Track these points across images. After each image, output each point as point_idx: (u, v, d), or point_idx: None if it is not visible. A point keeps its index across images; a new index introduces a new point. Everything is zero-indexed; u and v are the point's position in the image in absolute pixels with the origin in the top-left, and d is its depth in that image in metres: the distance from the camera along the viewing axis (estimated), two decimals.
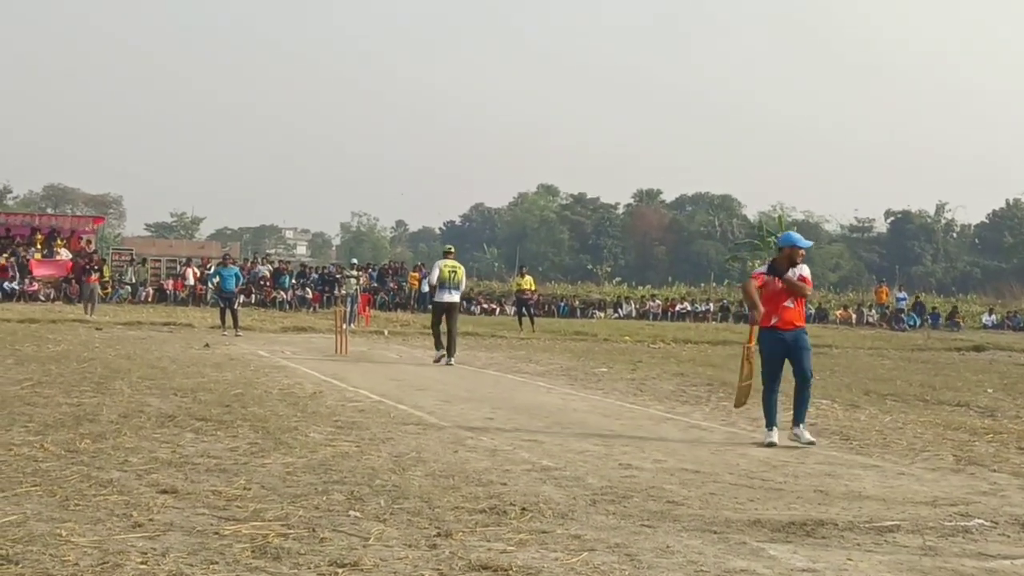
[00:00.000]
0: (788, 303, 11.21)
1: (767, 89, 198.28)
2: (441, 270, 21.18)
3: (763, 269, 11.59)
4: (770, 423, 11.18)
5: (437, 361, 20.60)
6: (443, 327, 20.77)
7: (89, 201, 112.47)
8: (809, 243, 11.72)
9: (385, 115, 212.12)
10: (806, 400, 11.27)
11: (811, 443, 10.87)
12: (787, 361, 11.29)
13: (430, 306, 24.51)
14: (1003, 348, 33.65)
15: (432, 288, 22.82)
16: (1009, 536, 7.03)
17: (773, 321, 11.18)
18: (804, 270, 11.31)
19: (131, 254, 53.06)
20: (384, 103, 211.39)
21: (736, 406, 12.26)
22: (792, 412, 11.25)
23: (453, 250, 22.44)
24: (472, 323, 37.46)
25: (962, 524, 7.32)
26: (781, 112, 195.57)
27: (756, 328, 11.44)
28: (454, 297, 21.14)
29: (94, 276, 35.55)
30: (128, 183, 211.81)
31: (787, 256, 11.32)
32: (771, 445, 10.80)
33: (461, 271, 21.30)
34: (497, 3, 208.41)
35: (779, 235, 11.90)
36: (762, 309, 11.14)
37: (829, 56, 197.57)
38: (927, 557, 6.32)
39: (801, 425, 11.10)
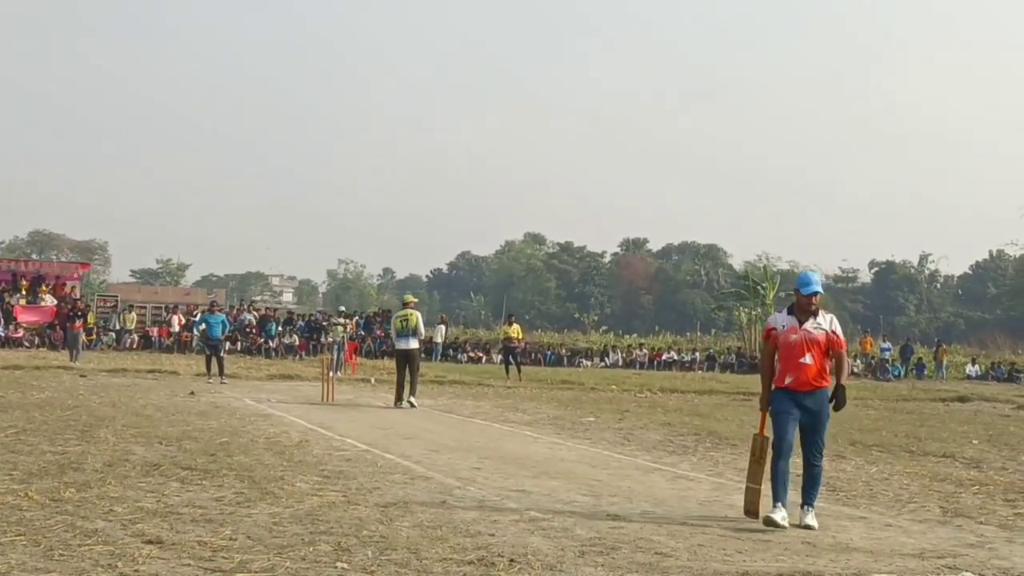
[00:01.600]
0: (806, 358, 9.36)
1: (753, 141, 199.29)
2: (393, 322, 22.73)
3: (776, 320, 9.81)
4: (777, 497, 9.22)
5: (396, 405, 21.66)
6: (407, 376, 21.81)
7: (74, 247, 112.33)
8: (813, 288, 9.53)
9: (373, 161, 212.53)
10: (816, 479, 9.43)
11: (810, 527, 9.04)
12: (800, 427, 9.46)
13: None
14: (987, 399, 33.67)
15: (390, 336, 24.62)
16: None
17: (787, 381, 9.41)
18: (833, 323, 9.56)
19: (116, 300, 52.92)
20: (373, 149, 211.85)
21: (746, 513, 9.46)
22: (800, 491, 9.47)
23: (412, 300, 23.27)
24: (459, 371, 37.42)
25: None
26: (767, 163, 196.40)
27: (767, 414, 9.63)
28: (410, 344, 22.08)
29: (78, 322, 35.43)
30: (113, 229, 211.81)
31: (799, 303, 9.60)
32: (771, 524, 9.00)
33: (414, 318, 22.16)
34: (494, 53, 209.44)
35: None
36: (771, 386, 9.56)
37: (815, 109, 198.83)
38: None
39: (809, 508, 9.27)
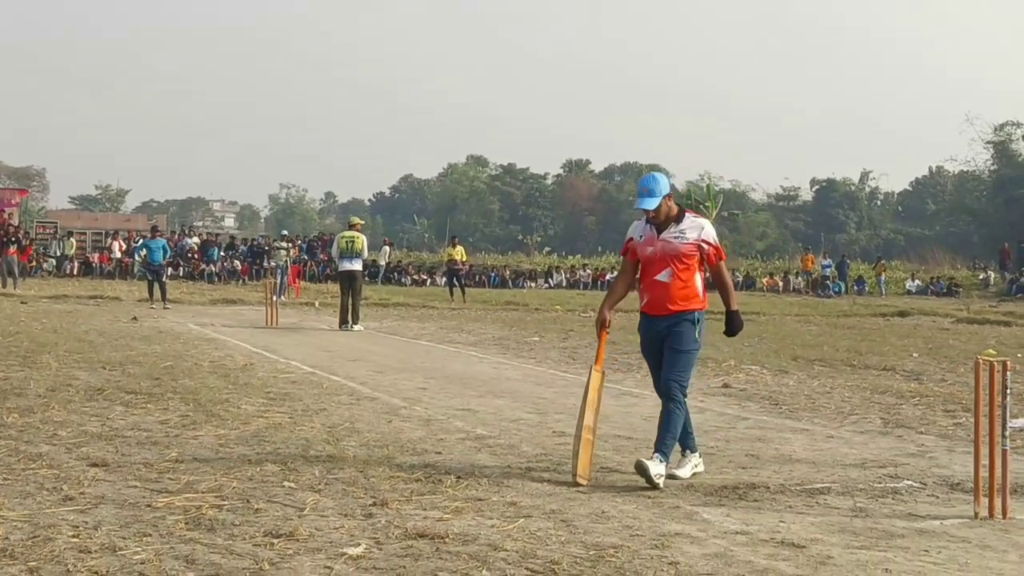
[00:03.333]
0: (662, 275, 7.64)
1: (693, 61, 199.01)
2: (338, 241, 22.75)
3: (634, 229, 7.96)
4: (682, 442, 7.79)
5: (340, 328, 21.78)
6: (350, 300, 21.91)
7: (11, 174, 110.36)
8: (644, 203, 7.63)
9: (314, 83, 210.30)
10: (669, 423, 7.45)
11: (655, 485, 7.08)
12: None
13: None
14: (927, 313, 34.14)
15: (333, 259, 24.67)
16: (938, 497, 7.15)
17: (643, 303, 7.85)
18: (704, 231, 7.72)
19: (56, 227, 52.21)
20: (313, 71, 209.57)
21: (574, 475, 7.27)
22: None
23: (358, 222, 23.39)
24: (403, 294, 37.39)
25: (891, 486, 7.44)
26: (707, 83, 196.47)
27: (603, 341, 7.94)
28: (353, 266, 22.21)
29: (13, 248, 34.92)
30: (51, 156, 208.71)
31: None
32: (641, 471, 7.20)
33: (360, 241, 22.29)
34: None
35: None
36: (607, 316, 7.84)
37: (753, 27, 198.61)
38: (858, 518, 6.41)
39: (656, 456, 7.26)
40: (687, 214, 7.75)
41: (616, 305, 7.93)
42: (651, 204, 7.59)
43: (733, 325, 7.94)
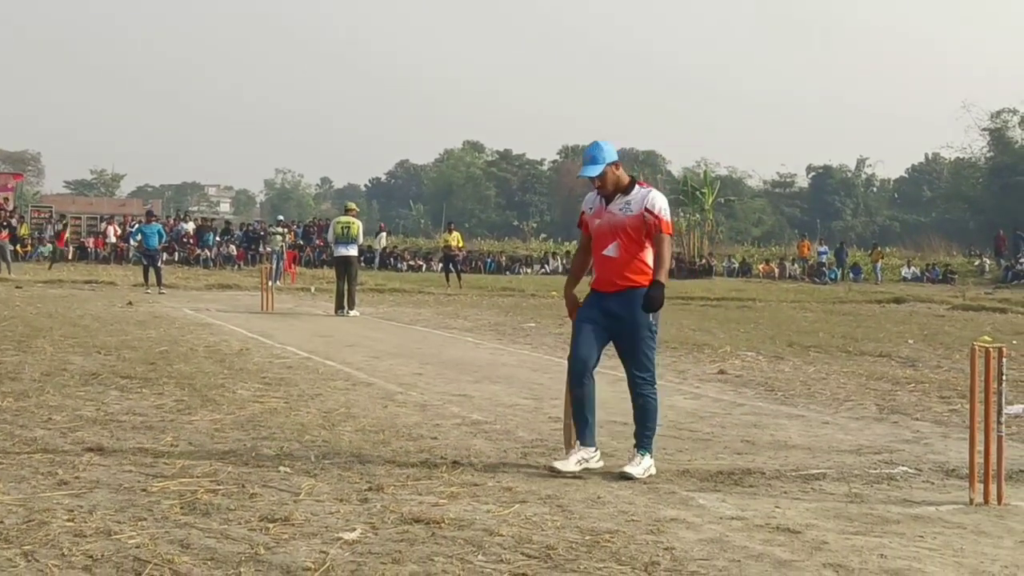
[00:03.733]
0: (609, 249, 7.24)
1: (691, 48, 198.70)
2: (333, 227, 22.64)
3: (587, 201, 7.58)
4: (579, 433, 7.26)
5: (336, 313, 21.69)
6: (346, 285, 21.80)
7: (6, 158, 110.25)
8: (586, 171, 7.24)
9: (310, 68, 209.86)
10: (647, 413, 7.25)
11: (628, 476, 6.94)
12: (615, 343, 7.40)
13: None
14: (923, 300, 34.15)
15: (329, 245, 24.86)
16: (933, 483, 7.15)
17: (593, 278, 7.51)
18: (650, 199, 7.21)
19: (51, 211, 52.13)
20: (310, 56, 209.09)
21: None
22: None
23: (353, 207, 23.34)
24: (399, 280, 37.39)
25: (887, 471, 7.44)
26: (705, 69, 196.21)
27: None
28: (350, 251, 22.05)
29: (4, 233, 34.81)
30: (46, 140, 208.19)
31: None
32: (554, 471, 6.97)
33: (356, 226, 22.15)
34: None
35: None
36: (575, 296, 7.61)
37: (751, 14, 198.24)
38: (853, 504, 6.42)
39: (638, 452, 7.16)
40: (638, 185, 7.30)
41: (579, 283, 7.65)
42: (593, 171, 7.19)
43: (652, 296, 7.08)
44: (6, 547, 4.93)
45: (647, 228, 7.17)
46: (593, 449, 7.19)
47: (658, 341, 7.37)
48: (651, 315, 7.15)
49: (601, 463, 7.17)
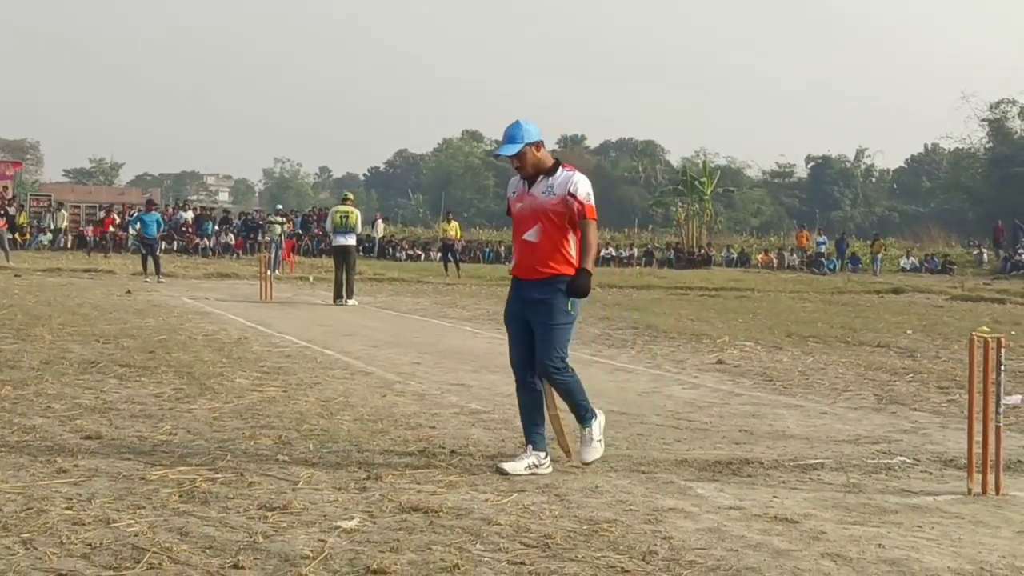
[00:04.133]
0: (529, 234, 6.92)
1: (690, 38, 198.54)
2: (332, 216, 22.64)
3: (511, 184, 7.28)
4: (529, 437, 6.94)
5: (334, 303, 21.59)
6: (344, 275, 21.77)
7: (5, 146, 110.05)
8: (504, 150, 6.93)
9: (310, 57, 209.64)
10: (571, 392, 6.96)
11: (587, 462, 6.91)
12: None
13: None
14: (921, 291, 34.17)
15: (328, 234, 24.88)
16: (931, 473, 7.16)
17: (512, 263, 7.22)
18: (573, 183, 6.87)
19: (50, 200, 52.06)
20: (310, 45, 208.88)
21: (566, 452, 7.18)
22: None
23: (351, 197, 23.53)
24: (397, 269, 37.37)
25: (885, 462, 7.45)
26: (704, 59, 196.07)
27: None
28: (348, 240, 22.09)
29: (3, 221, 34.75)
30: (45, 128, 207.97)
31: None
32: (502, 472, 6.64)
33: (354, 215, 22.18)
34: None
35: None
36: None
37: (752, 2, 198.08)
38: (851, 494, 6.42)
39: (583, 428, 7.00)
40: (562, 167, 6.94)
41: None
42: (508, 151, 6.84)
43: (578, 284, 6.76)
44: (5, 535, 4.94)
45: (570, 213, 6.83)
46: (544, 455, 6.82)
47: (574, 331, 7.06)
48: (569, 303, 6.82)
49: (550, 469, 6.76)
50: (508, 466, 6.66)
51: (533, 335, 6.89)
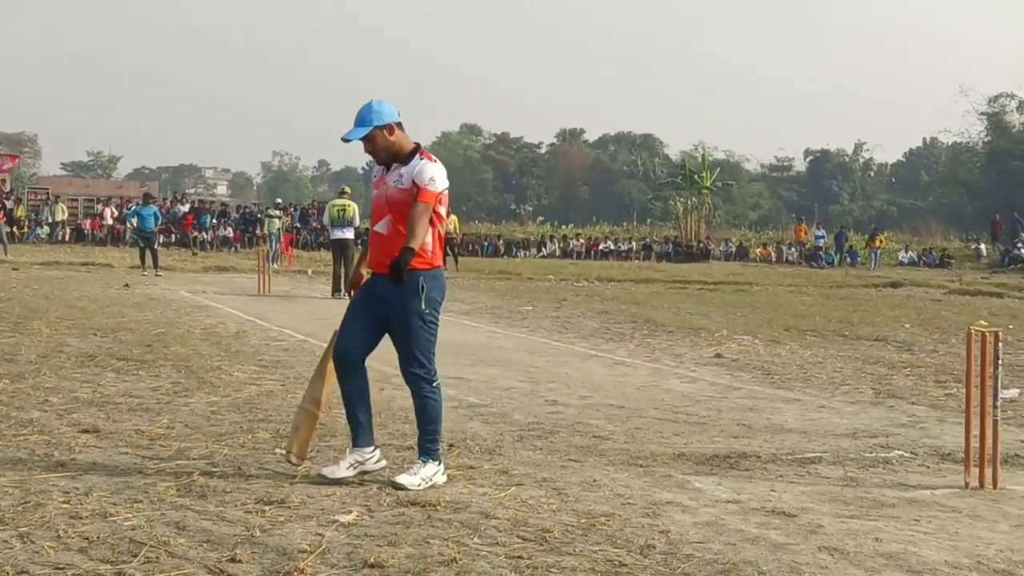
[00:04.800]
0: (380, 226, 6.36)
1: (689, 32, 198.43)
2: (329, 209, 22.66)
3: (374, 171, 6.73)
4: (353, 433, 6.39)
5: (333, 296, 21.47)
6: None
7: (3, 140, 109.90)
8: (351, 134, 6.32)
9: (309, 51, 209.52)
10: (426, 414, 6.27)
11: (400, 487, 5.99)
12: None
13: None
14: (919, 284, 34.16)
15: (325, 228, 24.95)
16: (928, 467, 7.17)
17: (368, 256, 6.62)
18: (421, 170, 6.24)
19: (47, 193, 52.00)
20: (307, 37, 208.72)
21: (287, 452, 6.40)
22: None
23: (348, 190, 23.74)
24: None
25: (882, 455, 7.45)
26: (703, 54, 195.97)
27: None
28: (346, 234, 22.09)
29: (0, 215, 34.71)
30: (43, 121, 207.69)
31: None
32: (323, 479, 6.13)
33: (352, 208, 22.19)
34: None
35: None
36: (362, 274, 6.55)
37: None
38: (848, 488, 6.43)
39: (421, 459, 6.22)
40: (419, 155, 6.32)
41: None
42: (356, 134, 6.29)
43: (394, 265, 6.13)
44: (2, 529, 4.93)
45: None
46: (370, 449, 6.30)
47: (438, 333, 6.35)
48: (424, 302, 6.18)
49: (382, 463, 6.34)
50: (328, 471, 6.15)
51: (373, 327, 6.31)
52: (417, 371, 6.20)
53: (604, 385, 10.50)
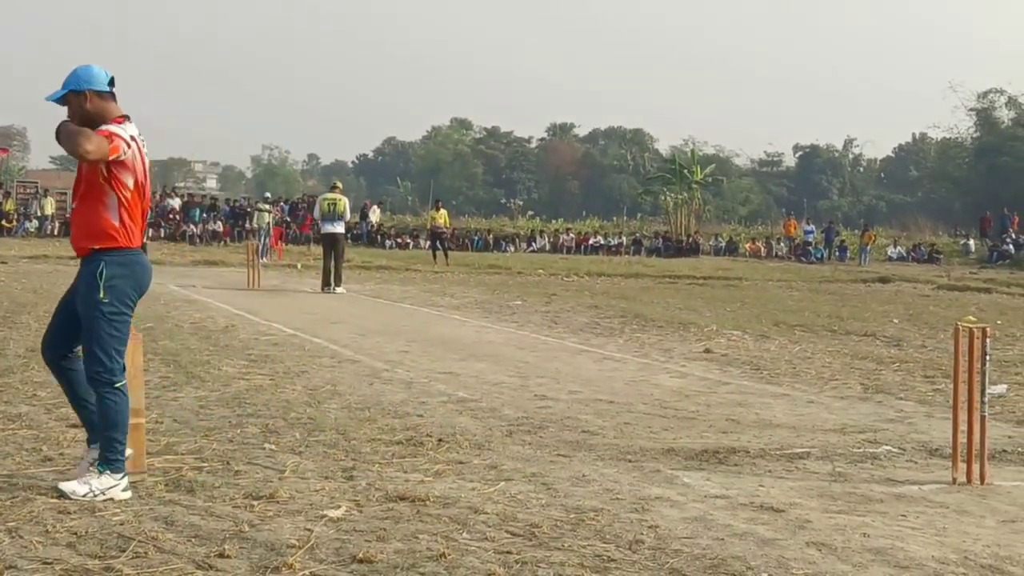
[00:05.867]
0: (76, 202, 5.78)
1: (680, 26, 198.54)
2: (320, 204, 22.69)
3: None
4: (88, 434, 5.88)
5: (322, 290, 21.53)
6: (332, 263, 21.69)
7: None
8: (52, 96, 5.76)
9: (299, 45, 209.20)
10: (104, 419, 5.56)
11: (60, 493, 5.40)
12: None
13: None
14: (908, 280, 34.21)
15: (316, 222, 25.05)
16: (916, 462, 7.19)
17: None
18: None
19: (36, 186, 51.83)
20: (298, 30, 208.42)
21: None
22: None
23: (339, 185, 23.70)
24: (386, 257, 37.32)
25: (870, 451, 7.47)
26: (693, 49, 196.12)
27: None
28: (336, 228, 22.07)
29: None
30: (32, 115, 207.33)
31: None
32: (60, 493, 5.42)
33: (342, 203, 22.21)
34: None
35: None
36: None
37: None
38: (837, 483, 6.44)
39: (102, 470, 5.48)
40: (126, 123, 5.73)
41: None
42: (52, 96, 5.74)
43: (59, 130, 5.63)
44: None
45: (104, 174, 5.56)
46: (121, 476, 5.53)
47: (127, 330, 5.70)
48: (103, 291, 5.49)
49: (95, 454, 5.61)
50: (72, 487, 5.43)
51: (63, 320, 5.77)
52: (96, 369, 5.51)
53: (593, 380, 10.50)
